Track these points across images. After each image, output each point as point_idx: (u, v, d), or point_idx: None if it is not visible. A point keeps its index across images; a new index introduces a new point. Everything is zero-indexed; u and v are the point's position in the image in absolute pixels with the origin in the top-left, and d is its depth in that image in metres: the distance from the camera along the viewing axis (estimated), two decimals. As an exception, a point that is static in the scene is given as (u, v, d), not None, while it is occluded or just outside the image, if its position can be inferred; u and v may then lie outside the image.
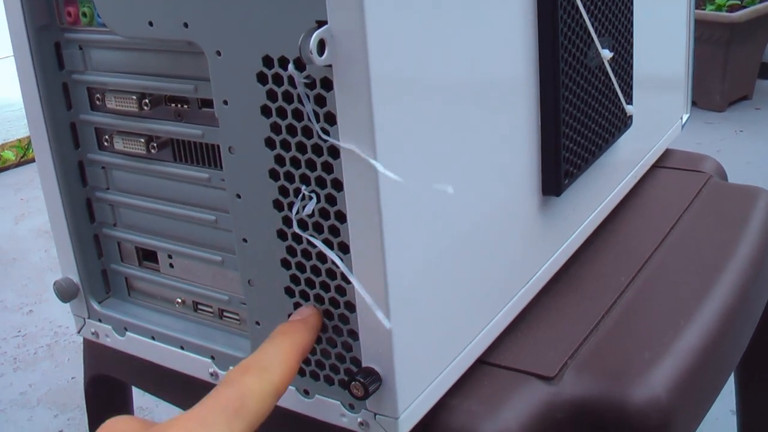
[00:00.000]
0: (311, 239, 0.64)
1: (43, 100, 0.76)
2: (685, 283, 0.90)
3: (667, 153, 1.20)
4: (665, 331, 0.81)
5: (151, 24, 0.66)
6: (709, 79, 3.64)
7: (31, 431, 2.04)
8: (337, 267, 0.63)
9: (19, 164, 3.72)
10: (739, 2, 3.70)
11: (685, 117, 1.24)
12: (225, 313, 0.77)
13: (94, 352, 1.00)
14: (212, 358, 0.76)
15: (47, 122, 0.77)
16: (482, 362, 0.77)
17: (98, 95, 0.76)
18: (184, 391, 0.84)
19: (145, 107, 0.72)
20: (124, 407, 1.12)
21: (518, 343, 0.80)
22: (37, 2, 0.74)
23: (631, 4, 0.91)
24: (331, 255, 0.63)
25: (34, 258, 2.84)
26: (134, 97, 0.73)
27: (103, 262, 0.83)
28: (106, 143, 0.77)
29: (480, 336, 0.75)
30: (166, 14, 0.64)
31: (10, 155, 3.74)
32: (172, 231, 0.77)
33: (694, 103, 3.60)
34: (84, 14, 0.74)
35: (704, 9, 3.66)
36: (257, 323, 0.71)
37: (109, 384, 1.04)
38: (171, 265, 0.79)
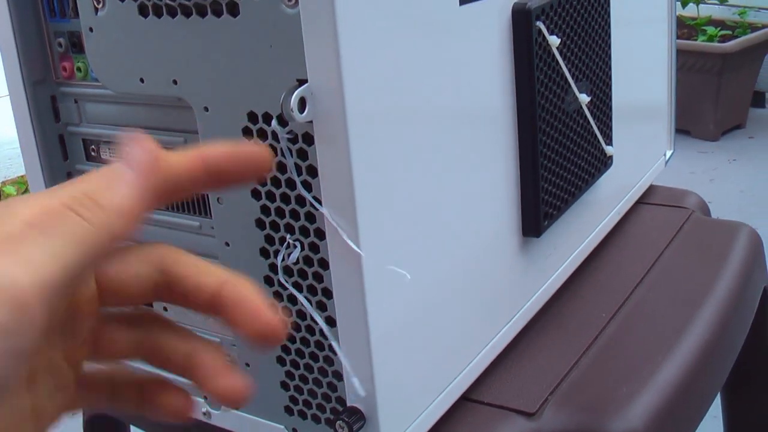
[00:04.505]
0: (295, 293, 0.67)
1: (40, 150, 0.79)
2: (664, 318, 0.92)
3: (651, 189, 1.22)
4: (644, 366, 0.84)
5: (142, 81, 0.69)
6: (702, 108, 3.67)
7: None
8: (324, 311, 0.66)
9: (19, 200, 3.74)
10: (731, 32, 3.74)
11: (668, 153, 1.26)
12: (217, 355, 0.79)
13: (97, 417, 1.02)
14: (204, 398, 0.78)
15: (44, 172, 0.80)
16: (465, 399, 0.79)
17: (93, 146, 0.79)
18: (178, 429, 0.87)
19: (138, 158, 0.75)
20: (122, 445, 1.14)
21: (500, 379, 0.83)
22: (34, 57, 0.78)
23: (609, 47, 0.94)
24: (315, 314, 0.66)
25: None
26: (127, 149, 0.76)
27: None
28: (101, 192, 0.80)
29: (463, 374, 0.78)
30: (157, 72, 0.68)
31: (11, 191, 3.77)
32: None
33: (687, 132, 3.63)
34: (79, 69, 0.77)
35: (696, 39, 3.70)
36: (247, 365, 0.74)
37: (107, 422, 1.07)
38: (165, 308, 0.82)
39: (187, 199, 0.74)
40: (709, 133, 3.69)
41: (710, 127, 3.69)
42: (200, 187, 0.43)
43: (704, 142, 3.67)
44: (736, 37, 3.68)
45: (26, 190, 3.72)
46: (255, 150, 0.43)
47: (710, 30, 3.72)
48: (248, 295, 0.40)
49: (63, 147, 0.81)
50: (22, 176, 3.87)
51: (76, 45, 0.76)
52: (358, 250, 0.61)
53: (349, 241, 0.61)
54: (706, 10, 3.89)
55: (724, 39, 3.66)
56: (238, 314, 0.40)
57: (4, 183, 3.84)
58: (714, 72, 3.61)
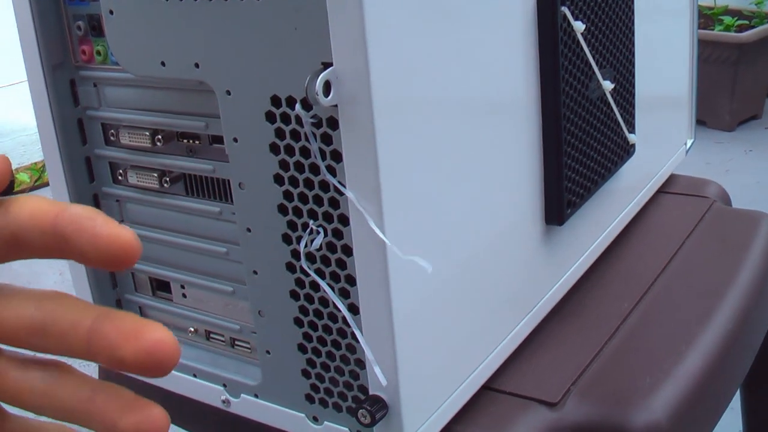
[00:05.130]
0: (318, 280, 0.66)
1: (59, 135, 0.78)
2: (687, 308, 0.91)
3: (672, 178, 1.21)
4: (667, 357, 0.83)
5: (163, 64, 0.68)
6: (718, 98, 3.65)
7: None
8: (346, 298, 0.66)
9: (33, 187, 3.76)
10: (748, 22, 3.71)
11: (689, 142, 1.25)
12: (236, 342, 0.79)
13: (109, 380, 1.02)
14: (224, 385, 0.78)
15: (63, 157, 0.79)
16: (487, 388, 0.79)
17: (112, 131, 0.78)
18: (198, 417, 0.87)
19: (158, 143, 0.75)
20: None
21: (522, 369, 0.82)
22: (53, 41, 0.77)
23: (632, 34, 0.93)
24: (336, 301, 0.65)
25: (48, 281, 2.86)
26: (147, 133, 0.75)
27: (118, 291, 0.85)
28: (120, 177, 0.80)
29: (485, 363, 0.77)
30: (178, 55, 0.67)
31: (25, 178, 3.77)
32: (184, 262, 0.79)
33: (703, 123, 3.61)
34: (98, 53, 0.76)
35: (712, 29, 3.68)
36: (267, 352, 0.73)
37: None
38: (184, 295, 0.81)
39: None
40: (725, 124, 3.67)
41: (726, 118, 3.67)
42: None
43: (720, 133, 3.65)
44: (753, 27, 3.65)
45: (40, 177, 3.73)
46: (121, 237, 0.35)
47: (727, 20, 3.70)
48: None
49: (82, 131, 0.80)
50: (35, 163, 3.88)
51: (95, 28, 0.76)
52: (384, 238, 0.61)
53: (375, 228, 0.60)
54: (722, 0, 3.86)
55: (740, 29, 3.64)
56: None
57: (17, 170, 3.84)
58: (730, 62, 3.58)
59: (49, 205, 0.36)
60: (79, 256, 0.36)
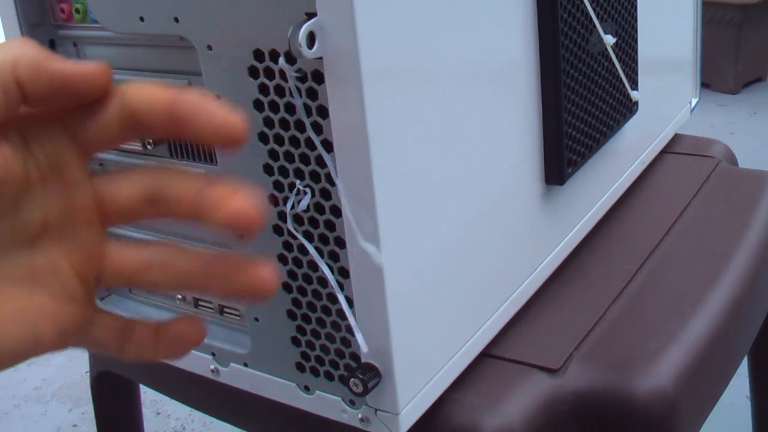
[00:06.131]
0: (305, 244, 0.63)
1: (38, 97, 0.75)
2: (692, 270, 0.88)
3: (676, 138, 1.18)
4: (672, 321, 0.80)
5: (142, 19, 0.65)
6: (722, 61, 3.61)
7: (45, 426, 2.04)
8: (336, 262, 0.63)
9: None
10: (752, -17, 3.67)
11: (693, 101, 1.22)
12: (225, 309, 0.76)
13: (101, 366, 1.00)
14: (213, 354, 0.75)
15: (43, 119, 0.76)
16: (485, 355, 0.76)
17: (93, 91, 0.75)
18: (186, 386, 0.84)
19: (140, 103, 0.72)
20: (130, 402, 1.12)
21: (522, 335, 0.79)
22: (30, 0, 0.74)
23: (635, -12, 0.90)
24: (324, 268, 0.62)
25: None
26: (128, 93, 0.72)
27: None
28: (102, 140, 0.77)
29: (483, 329, 0.74)
30: (157, 9, 0.64)
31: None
32: (170, 227, 0.76)
33: (707, 86, 3.57)
34: (77, 11, 0.73)
35: (716, -10, 3.63)
36: (256, 319, 0.70)
37: (114, 380, 1.04)
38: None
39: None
40: (729, 87, 3.63)
41: (730, 81, 3.63)
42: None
43: (724, 96, 3.61)
44: (758, -13, 3.61)
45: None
46: (232, 119, 0.39)
47: (731, -20, 3.65)
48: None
49: (62, 93, 0.77)
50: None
51: (73, -16, 0.72)
52: (369, 247, 0.58)
53: (367, 246, 0.57)
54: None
55: (744, -10, 3.59)
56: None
57: None
58: (734, 24, 3.54)
59: (165, 89, 0.40)
60: (194, 135, 0.40)
